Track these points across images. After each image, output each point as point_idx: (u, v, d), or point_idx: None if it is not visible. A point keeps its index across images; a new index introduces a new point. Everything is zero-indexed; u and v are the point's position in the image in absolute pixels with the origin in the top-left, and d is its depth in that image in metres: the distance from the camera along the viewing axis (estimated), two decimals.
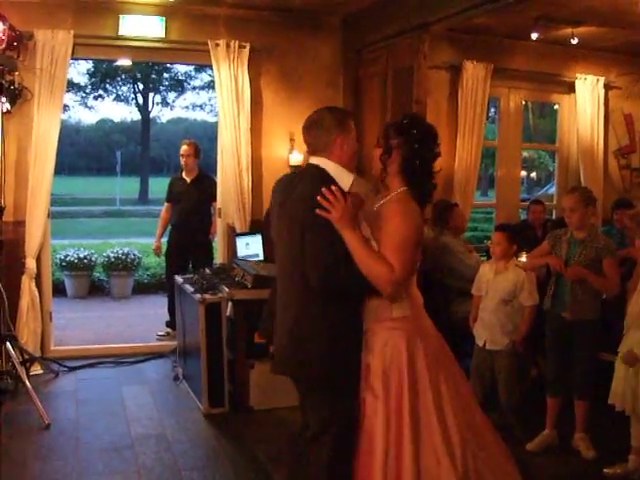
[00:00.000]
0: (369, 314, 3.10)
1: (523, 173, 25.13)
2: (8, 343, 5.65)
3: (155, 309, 9.02)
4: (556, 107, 8.93)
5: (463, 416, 3.08)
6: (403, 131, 3.06)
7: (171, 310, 7.40)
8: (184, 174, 7.59)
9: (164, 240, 7.96)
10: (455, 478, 2.92)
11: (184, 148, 7.52)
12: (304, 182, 3.10)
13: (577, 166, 8.29)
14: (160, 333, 7.55)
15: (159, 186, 21.57)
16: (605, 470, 4.42)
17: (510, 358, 5.09)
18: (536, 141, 24.92)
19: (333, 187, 2.95)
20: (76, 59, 6.73)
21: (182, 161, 7.55)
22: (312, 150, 3.20)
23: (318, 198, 2.92)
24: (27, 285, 6.25)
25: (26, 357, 6.01)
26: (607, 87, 8.20)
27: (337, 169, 3.10)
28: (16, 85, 5.81)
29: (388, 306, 3.04)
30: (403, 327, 3.05)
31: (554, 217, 8.30)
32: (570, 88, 8.16)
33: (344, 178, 3.09)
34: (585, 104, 8.10)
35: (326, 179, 3.04)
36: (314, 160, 3.17)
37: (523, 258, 5.68)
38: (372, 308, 3.08)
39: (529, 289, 5.01)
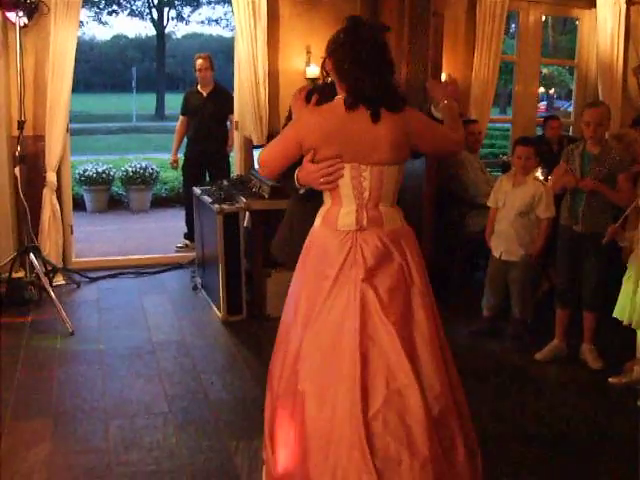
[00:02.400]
0: None
1: (541, 89, 24.84)
2: (32, 254, 5.81)
3: (173, 222, 9.17)
4: (577, 23, 8.79)
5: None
6: (331, 38, 2.89)
7: (189, 222, 7.52)
8: (200, 87, 7.58)
9: (180, 155, 8.01)
10: None
11: (200, 62, 7.48)
12: None
13: (596, 83, 8.21)
14: (179, 245, 7.69)
15: (175, 102, 21.44)
16: (610, 380, 4.54)
17: (525, 269, 5.18)
18: (556, 58, 24.54)
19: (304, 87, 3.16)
20: None
21: (199, 75, 7.51)
22: None
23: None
24: (48, 198, 6.33)
25: (49, 268, 6.16)
26: (629, 2, 8.03)
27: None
28: None
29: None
30: (310, 238, 3.01)
31: (571, 133, 8.27)
32: (591, 3, 8.02)
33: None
34: (606, 19, 7.98)
35: (324, 88, 3.13)
36: None
37: (538, 173, 5.73)
38: None
39: (546, 202, 5.06)
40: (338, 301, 2.78)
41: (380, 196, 2.87)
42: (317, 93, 3.02)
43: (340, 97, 2.84)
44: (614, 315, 4.42)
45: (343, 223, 2.86)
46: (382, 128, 2.80)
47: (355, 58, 2.77)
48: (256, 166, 2.91)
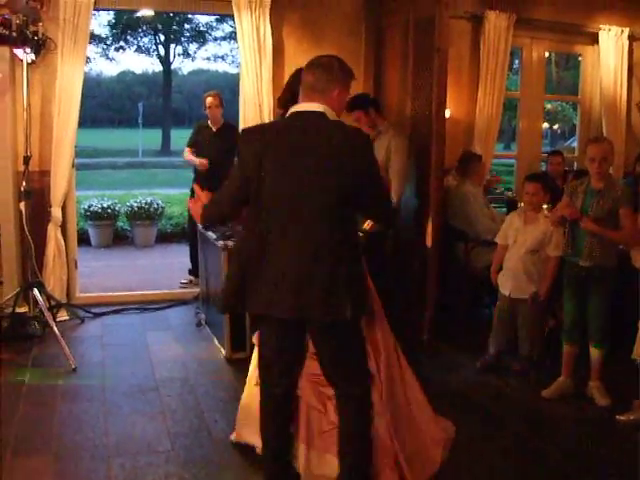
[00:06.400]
0: None
1: (545, 125, 24.93)
2: (36, 289, 5.81)
3: (178, 257, 9.13)
4: (580, 59, 8.83)
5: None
6: None
7: (193, 258, 7.50)
8: (210, 123, 7.61)
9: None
10: None
11: (210, 100, 7.48)
12: (337, 132, 3.10)
13: (599, 118, 8.22)
14: (183, 281, 7.67)
15: (181, 138, 21.53)
16: (618, 417, 4.50)
17: (534, 307, 5.15)
18: (560, 94, 24.66)
19: None
20: (98, 9, 6.70)
21: (209, 113, 7.52)
22: (308, 90, 3.19)
23: None
24: (53, 233, 6.34)
25: (53, 303, 6.15)
26: (631, 38, 8.05)
27: (333, 115, 3.17)
28: (40, 36, 5.82)
29: None
30: None
31: (575, 168, 8.27)
32: (594, 39, 8.03)
33: None
34: (609, 55, 8.00)
35: (345, 126, 3.18)
36: (313, 106, 3.14)
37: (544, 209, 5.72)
38: None
39: (557, 240, 5.04)
40: None
41: None
42: None
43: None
44: (633, 357, 4.39)
45: None
46: None
47: None
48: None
